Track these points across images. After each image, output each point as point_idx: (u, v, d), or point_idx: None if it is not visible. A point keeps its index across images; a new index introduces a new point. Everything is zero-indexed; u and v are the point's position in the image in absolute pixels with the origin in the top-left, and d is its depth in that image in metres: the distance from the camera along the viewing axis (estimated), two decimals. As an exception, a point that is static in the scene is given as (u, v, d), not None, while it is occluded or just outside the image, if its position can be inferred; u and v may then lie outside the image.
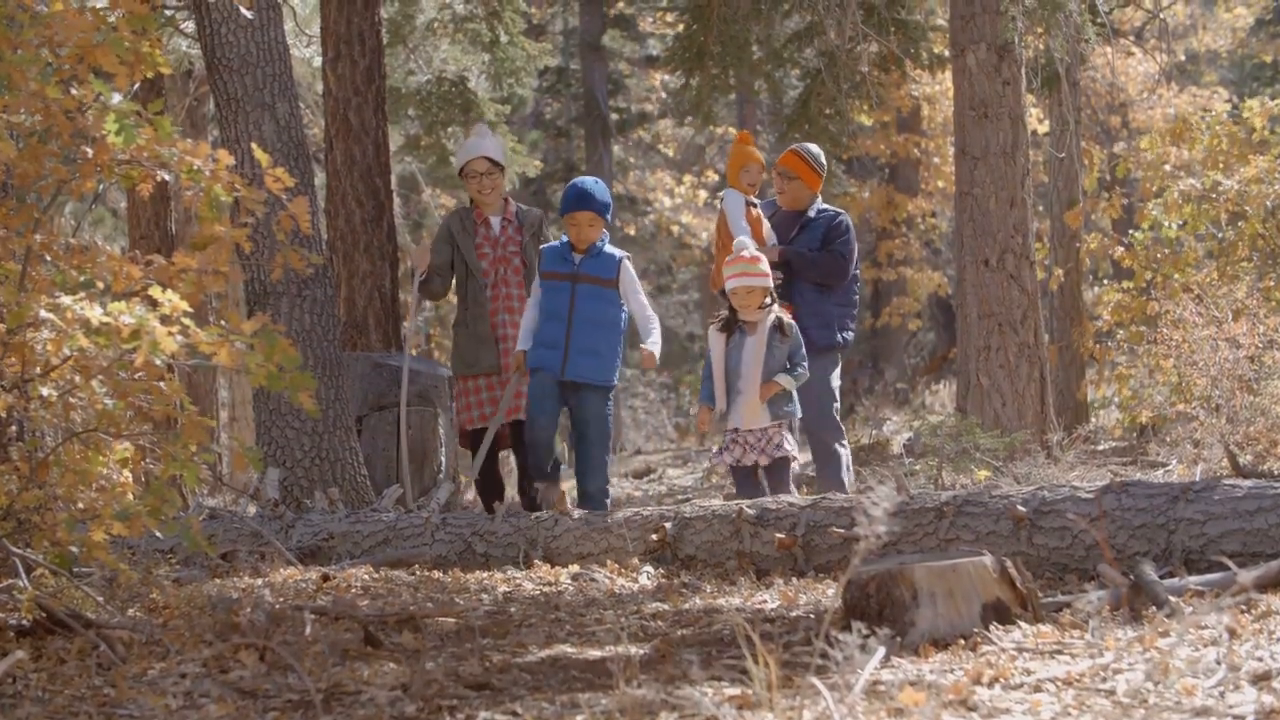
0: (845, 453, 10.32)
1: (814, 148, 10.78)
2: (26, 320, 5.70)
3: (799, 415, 9.58)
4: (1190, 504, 7.03)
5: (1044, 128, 22.33)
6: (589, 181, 9.66)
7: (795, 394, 9.47)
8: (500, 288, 10.57)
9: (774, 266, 9.90)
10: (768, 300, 9.53)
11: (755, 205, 10.48)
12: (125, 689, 5.16)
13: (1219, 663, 4.81)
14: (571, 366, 9.49)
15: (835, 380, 10.41)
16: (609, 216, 9.61)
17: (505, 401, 10.26)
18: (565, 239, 9.63)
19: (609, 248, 9.65)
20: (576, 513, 8.79)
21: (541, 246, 9.98)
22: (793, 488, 9.39)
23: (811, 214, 10.62)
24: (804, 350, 9.56)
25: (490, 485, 10.55)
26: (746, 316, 9.49)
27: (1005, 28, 13.32)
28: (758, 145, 37.52)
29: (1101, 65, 21.72)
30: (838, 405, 10.43)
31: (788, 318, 9.60)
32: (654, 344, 9.50)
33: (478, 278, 10.57)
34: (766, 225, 10.48)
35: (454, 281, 10.78)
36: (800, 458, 9.73)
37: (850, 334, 10.58)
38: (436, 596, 7.36)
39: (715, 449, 9.83)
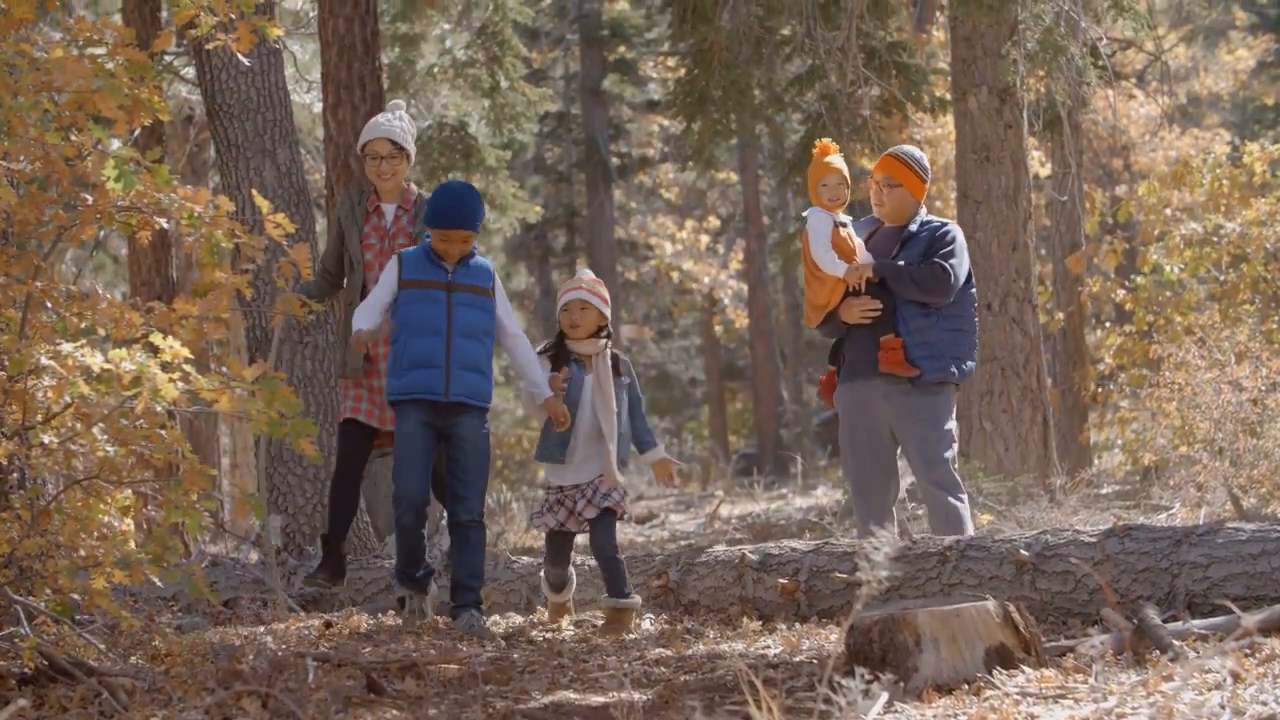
0: (964, 507, 8.61)
1: (915, 150, 9.11)
2: (27, 367, 5.71)
3: (626, 457, 8.50)
4: (1194, 548, 7.02)
5: (1046, 171, 22.38)
6: (462, 192, 8.39)
7: (623, 434, 8.35)
8: None
9: (874, 289, 8.69)
10: (601, 332, 8.34)
11: (845, 224, 8.87)
12: (125, 737, 5.14)
13: (1223, 707, 4.79)
14: (456, 385, 8.13)
15: (950, 422, 8.72)
16: (479, 228, 8.42)
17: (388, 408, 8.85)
18: (427, 243, 8.33)
19: (477, 256, 8.44)
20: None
21: (400, 251, 8.53)
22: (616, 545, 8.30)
23: (913, 227, 8.90)
24: (640, 394, 8.58)
25: (344, 500, 9.00)
26: (578, 348, 8.30)
27: (1007, 71, 13.35)
28: (759, 191, 37.60)
29: (1103, 108, 21.73)
30: (953, 452, 8.72)
31: (624, 356, 8.55)
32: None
33: (359, 270, 9.36)
34: (859, 244, 8.84)
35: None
36: (628, 509, 8.47)
37: (969, 365, 8.77)
38: (439, 643, 7.34)
39: (538, 508, 8.40)
